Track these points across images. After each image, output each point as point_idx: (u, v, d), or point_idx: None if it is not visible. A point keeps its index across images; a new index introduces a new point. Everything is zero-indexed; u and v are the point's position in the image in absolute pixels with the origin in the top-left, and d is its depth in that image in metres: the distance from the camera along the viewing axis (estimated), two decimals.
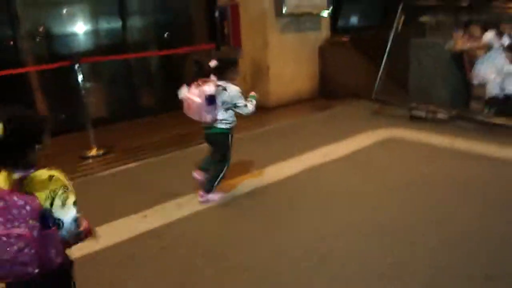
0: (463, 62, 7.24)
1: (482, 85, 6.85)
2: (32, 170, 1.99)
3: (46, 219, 1.92)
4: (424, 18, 8.54)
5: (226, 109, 4.26)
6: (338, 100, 8.28)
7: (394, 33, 7.60)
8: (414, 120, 6.97)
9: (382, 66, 7.61)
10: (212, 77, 4.25)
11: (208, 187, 4.47)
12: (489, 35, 6.88)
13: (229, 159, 4.46)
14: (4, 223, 1.80)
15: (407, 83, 7.81)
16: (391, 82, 7.93)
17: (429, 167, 5.20)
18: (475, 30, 7.06)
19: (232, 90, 4.24)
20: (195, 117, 4.20)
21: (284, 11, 7.88)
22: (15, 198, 1.83)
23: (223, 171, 4.44)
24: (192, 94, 4.13)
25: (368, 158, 5.57)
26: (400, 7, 7.62)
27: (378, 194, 4.55)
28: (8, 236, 1.78)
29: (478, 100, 6.97)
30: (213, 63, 4.22)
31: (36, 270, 1.84)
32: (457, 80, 7.34)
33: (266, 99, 7.90)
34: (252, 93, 4.42)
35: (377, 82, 7.59)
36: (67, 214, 1.99)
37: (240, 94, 4.26)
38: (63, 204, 1.97)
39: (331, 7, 8.70)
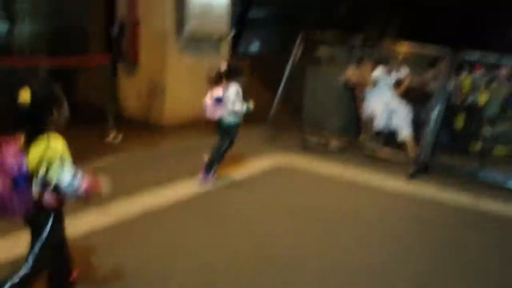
0: (354, 95, 7.58)
1: (371, 119, 7.19)
2: (44, 134, 2.40)
3: (17, 182, 2.34)
4: (321, 51, 8.86)
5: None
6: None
7: (292, 62, 7.76)
8: (307, 148, 7.14)
9: (278, 93, 7.73)
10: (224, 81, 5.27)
11: (208, 169, 5.34)
12: (378, 72, 7.27)
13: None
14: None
15: (302, 111, 8.01)
16: (287, 110, 8.10)
17: (318, 196, 5.31)
18: (367, 66, 7.44)
19: (230, 91, 5.23)
20: (209, 116, 5.29)
21: (184, 33, 7.79)
22: (10, 158, 2.33)
23: (223, 156, 5.43)
24: (207, 99, 5.26)
25: (258, 186, 5.57)
26: (299, 37, 7.82)
27: (265, 222, 4.53)
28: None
29: (367, 132, 7.30)
30: (223, 67, 5.30)
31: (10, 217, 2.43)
32: (349, 111, 7.66)
33: (161, 119, 7.74)
34: (250, 104, 5.46)
35: (273, 108, 7.68)
36: (64, 176, 2.39)
37: (235, 96, 5.23)
38: (60, 171, 2.38)
39: (232, 32, 8.75)
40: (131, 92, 8.34)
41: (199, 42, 8.20)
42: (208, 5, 8.01)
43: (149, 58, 8.02)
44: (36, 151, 2.37)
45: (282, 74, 7.86)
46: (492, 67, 10.15)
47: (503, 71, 10.75)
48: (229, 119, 5.33)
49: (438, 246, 4.27)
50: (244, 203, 4.99)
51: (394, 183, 5.90)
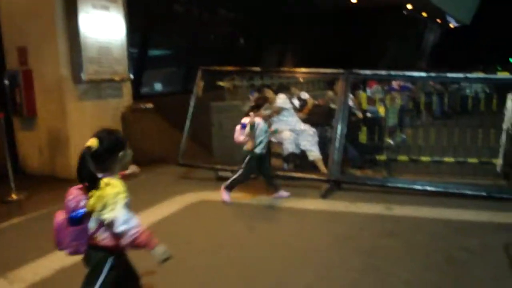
0: None
1: (279, 143, 7.36)
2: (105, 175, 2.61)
3: (73, 219, 2.55)
4: (222, 83, 9.00)
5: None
6: (144, 168, 8.03)
7: (194, 98, 7.76)
8: (221, 181, 7.12)
9: (185, 130, 7.67)
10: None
11: (228, 186, 6.10)
12: (281, 98, 7.49)
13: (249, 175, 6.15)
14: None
15: (211, 145, 8.02)
16: (196, 146, 8.08)
17: (238, 226, 5.30)
18: (268, 93, 7.63)
19: (258, 123, 5.98)
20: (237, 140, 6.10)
21: (82, 78, 7.54)
22: (71, 196, 2.60)
23: (239, 180, 6.10)
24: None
25: (176, 224, 5.43)
26: (199, 72, 7.86)
27: (187, 259, 4.40)
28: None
29: (278, 157, 7.44)
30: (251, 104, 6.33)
31: (64, 250, 2.61)
32: None
33: (67, 172, 7.31)
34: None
35: (181, 146, 7.60)
36: (117, 215, 2.50)
37: (261, 128, 5.99)
38: (113, 209, 2.51)
39: (132, 74, 8.65)
40: (31, 147, 7.93)
41: (99, 87, 7.99)
42: (105, 47, 7.87)
43: (47, 109, 7.67)
44: (97, 191, 2.53)
45: (187, 111, 7.84)
46: (385, 82, 10.97)
47: (395, 84, 11.63)
48: (245, 147, 6.02)
49: (357, 257, 4.38)
50: (164, 243, 4.82)
51: (310, 203, 6.03)
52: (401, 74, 7.54)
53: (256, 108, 6.08)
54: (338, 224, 5.28)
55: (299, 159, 7.36)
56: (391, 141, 8.54)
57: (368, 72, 7.27)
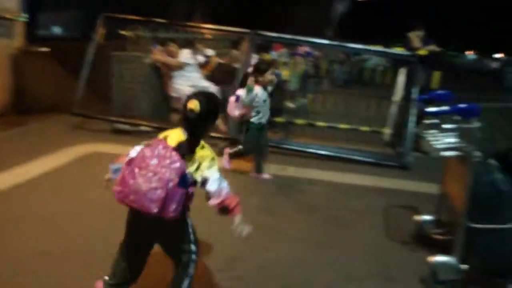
0: (162, 76, 7.53)
1: (180, 98, 7.24)
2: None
3: (184, 180, 2.40)
4: (125, 32, 8.62)
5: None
6: (36, 115, 7.61)
7: (94, 45, 7.37)
8: (118, 134, 6.92)
9: (81, 79, 7.29)
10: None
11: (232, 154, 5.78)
12: (185, 54, 7.33)
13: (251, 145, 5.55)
14: (157, 165, 2.36)
15: (109, 96, 7.71)
16: (93, 95, 7.73)
17: None
18: (173, 46, 7.43)
19: (256, 92, 5.28)
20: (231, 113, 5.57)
21: None
22: (173, 154, 2.39)
23: (242, 151, 5.71)
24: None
25: (67, 176, 5.20)
26: (100, 18, 7.45)
27: (79, 215, 4.24)
28: (154, 173, 2.34)
29: (177, 112, 7.33)
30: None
31: (155, 210, 2.33)
32: (157, 93, 7.59)
33: None
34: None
35: (76, 94, 7.23)
36: (211, 174, 2.53)
37: (260, 97, 5.31)
38: (210, 167, 2.54)
39: (27, 14, 8.01)
40: None
41: None
42: None
43: None
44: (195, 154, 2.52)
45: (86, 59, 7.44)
46: (292, 46, 11.10)
47: (300, 50, 11.81)
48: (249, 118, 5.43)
49: (246, 215, 4.47)
50: (54, 196, 4.62)
51: None
52: (305, 40, 7.66)
53: (258, 73, 5.34)
54: (231, 182, 5.33)
55: None
56: (291, 105, 8.73)
57: (273, 34, 7.30)
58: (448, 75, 13.12)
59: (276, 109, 7.97)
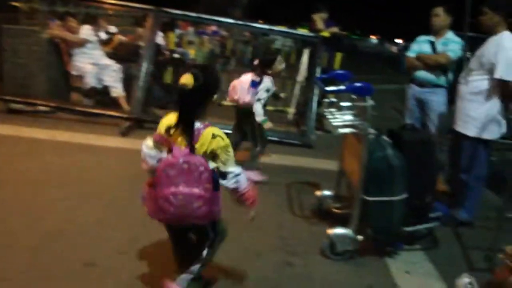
0: (61, 53, 7.15)
1: (80, 76, 6.93)
2: (205, 125, 2.34)
3: (216, 182, 2.30)
4: (18, 4, 8.05)
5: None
6: None
7: None
8: (13, 113, 6.50)
9: None
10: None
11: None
12: (86, 29, 7.00)
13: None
14: (187, 182, 2.25)
15: (1, 74, 7.18)
16: None
17: (27, 162, 4.90)
18: (72, 22, 7.06)
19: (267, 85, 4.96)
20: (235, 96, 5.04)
21: None
22: (196, 162, 2.25)
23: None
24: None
25: None
26: None
27: None
28: (190, 195, 2.26)
29: (78, 91, 7.03)
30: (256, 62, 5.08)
31: (206, 223, 2.44)
32: (56, 70, 7.19)
33: None
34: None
35: None
36: (230, 169, 2.39)
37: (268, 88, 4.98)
38: (224, 163, 2.37)
39: None
40: None
41: None
42: None
43: None
44: (202, 142, 2.34)
45: None
46: (198, 25, 10.97)
47: (207, 29, 11.73)
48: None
49: None
50: None
51: (110, 140, 5.86)
52: (211, 19, 7.59)
53: (265, 66, 4.98)
54: (135, 162, 5.21)
55: (101, 95, 7.04)
56: None
57: (178, 12, 7.17)
58: (351, 57, 13.70)
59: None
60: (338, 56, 7.90)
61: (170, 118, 2.39)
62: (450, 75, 4.87)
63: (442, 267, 3.60)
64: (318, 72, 6.86)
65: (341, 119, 3.50)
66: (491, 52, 3.92)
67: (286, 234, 3.93)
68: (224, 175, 2.44)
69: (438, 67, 4.85)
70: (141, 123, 6.50)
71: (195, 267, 2.66)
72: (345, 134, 3.83)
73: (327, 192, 4.30)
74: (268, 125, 5.02)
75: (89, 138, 5.82)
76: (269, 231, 3.94)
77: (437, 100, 4.91)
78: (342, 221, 3.71)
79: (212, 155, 2.39)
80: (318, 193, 4.34)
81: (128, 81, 7.05)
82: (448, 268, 3.57)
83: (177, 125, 2.34)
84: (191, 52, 8.99)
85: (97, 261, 3.21)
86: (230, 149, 2.44)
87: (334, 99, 3.80)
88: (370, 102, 3.33)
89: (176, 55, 8.37)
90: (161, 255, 3.23)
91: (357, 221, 3.51)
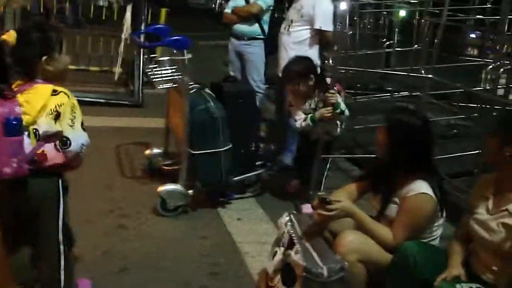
0: None
1: None
2: (38, 82, 2.05)
3: (11, 127, 1.91)
4: None
5: None
6: None
7: None
8: None
9: None
10: None
11: None
12: None
13: None
14: None
15: None
16: None
17: None
18: None
19: None
20: None
21: None
22: None
23: None
24: None
25: None
26: None
27: None
28: None
29: None
30: None
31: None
32: None
33: None
34: None
35: None
36: (75, 135, 2.07)
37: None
38: (71, 124, 2.06)
39: None
40: None
41: None
42: None
43: None
44: (36, 99, 2.00)
45: None
46: None
47: None
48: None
49: None
50: None
51: None
52: None
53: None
54: None
55: None
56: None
57: None
58: (181, 13, 13.53)
59: None
60: (163, 12, 7.70)
61: None
62: (266, 27, 5.04)
63: (271, 210, 3.77)
64: (142, 29, 6.63)
65: (161, 75, 3.43)
66: (310, 5, 4.22)
67: (117, 197, 3.81)
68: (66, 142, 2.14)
69: (251, 18, 4.98)
70: None
71: None
72: (169, 90, 3.78)
73: (156, 150, 4.24)
74: None
75: None
76: (99, 196, 3.79)
77: (253, 52, 5.06)
78: (173, 178, 3.70)
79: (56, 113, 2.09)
80: (147, 152, 4.27)
81: None
82: (277, 211, 3.78)
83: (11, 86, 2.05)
84: None
85: None
86: (78, 111, 2.16)
87: (155, 55, 3.71)
88: (188, 55, 3.30)
89: None
90: None
91: (185, 175, 3.53)
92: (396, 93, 6.69)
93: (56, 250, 2.22)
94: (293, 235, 2.31)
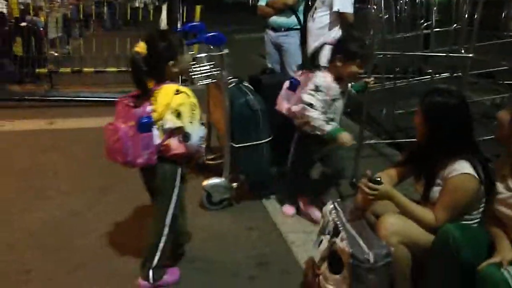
0: None
1: None
2: (165, 83, 2.38)
3: (143, 125, 2.28)
4: None
5: None
6: None
7: None
8: None
9: None
10: None
11: None
12: None
13: None
14: (120, 118, 2.38)
15: None
16: None
17: None
18: None
19: None
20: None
21: None
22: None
23: None
24: None
25: None
26: None
27: None
28: (114, 129, 2.35)
29: None
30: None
31: (122, 161, 2.34)
32: None
33: None
34: None
35: None
36: (195, 130, 2.37)
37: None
38: (191, 121, 2.34)
39: None
40: None
41: None
42: None
43: None
44: (162, 98, 2.32)
45: None
46: None
47: None
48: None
49: (13, 176, 4.16)
50: None
51: None
52: None
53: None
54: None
55: None
56: (54, 53, 8.09)
57: None
58: (214, 9, 13.62)
59: (36, 60, 7.34)
60: (198, 9, 7.78)
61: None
62: (301, 17, 5.04)
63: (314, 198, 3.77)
64: (178, 27, 6.73)
65: (199, 71, 3.47)
66: None
67: None
68: (188, 137, 2.45)
69: (286, 9, 5.01)
70: None
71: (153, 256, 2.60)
72: (208, 86, 3.83)
73: None
74: None
75: None
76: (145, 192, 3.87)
77: (290, 42, 5.09)
78: (217, 172, 3.76)
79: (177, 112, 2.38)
80: None
81: None
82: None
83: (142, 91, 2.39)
84: (42, 20, 8.30)
85: None
86: (196, 109, 2.42)
87: (192, 52, 3.75)
88: (225, 50, 3.34)
89: (24, 24, 7.68)
90: None
91: (228, 169, 3.58)
92: (437, 75, 6.52)
93: (161, 229, 2.54)
94: (338, 222, 2.33)
